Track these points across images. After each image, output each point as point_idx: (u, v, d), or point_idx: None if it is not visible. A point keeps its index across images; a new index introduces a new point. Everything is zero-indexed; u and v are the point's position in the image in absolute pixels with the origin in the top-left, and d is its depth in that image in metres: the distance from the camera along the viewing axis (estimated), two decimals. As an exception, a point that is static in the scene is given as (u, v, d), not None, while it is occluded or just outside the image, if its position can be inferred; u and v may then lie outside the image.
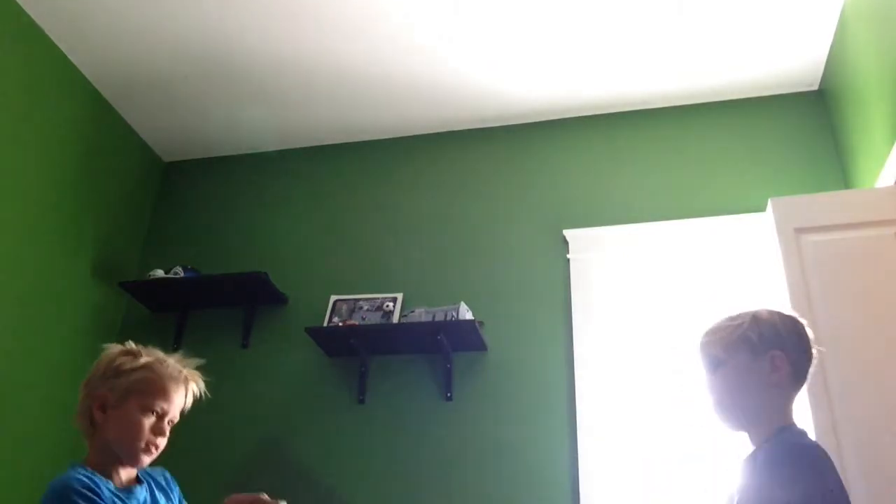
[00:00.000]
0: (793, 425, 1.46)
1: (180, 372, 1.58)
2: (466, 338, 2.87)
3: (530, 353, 2.90)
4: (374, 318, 3.04)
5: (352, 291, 3.18)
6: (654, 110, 3.32)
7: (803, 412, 2.02)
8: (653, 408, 2.71)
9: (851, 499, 1.32)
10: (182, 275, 3.21)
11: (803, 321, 1.52)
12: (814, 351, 1.50)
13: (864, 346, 2.13)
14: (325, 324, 3.07)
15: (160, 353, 1.60)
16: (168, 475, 1.67)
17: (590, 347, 2.83)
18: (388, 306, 3.07)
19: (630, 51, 3.03)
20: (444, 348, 2.88)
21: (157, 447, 1.53)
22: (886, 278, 2.20)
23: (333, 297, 3.16)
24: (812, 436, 1.89)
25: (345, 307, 3.11)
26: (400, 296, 3.11)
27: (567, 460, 2.66)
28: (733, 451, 2.54)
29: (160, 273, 3.24)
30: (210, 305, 3.30)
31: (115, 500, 1.44)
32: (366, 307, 3.09)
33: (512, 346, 2.94)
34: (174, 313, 3.31)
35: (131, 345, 1.59)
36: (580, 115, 3.38)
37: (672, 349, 2.79)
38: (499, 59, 3.10)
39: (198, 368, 1.65)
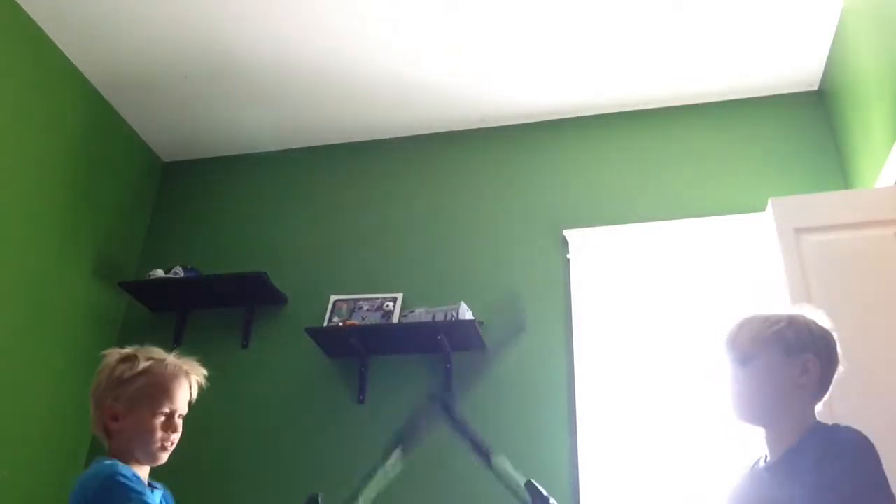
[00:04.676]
0: (822, 423, 1.45)
1: (180, 368, 1.60)
2: (466, 338, 2.87)
3: (530, 353, 2.90)
4: (374, 318, 3.04)
5: (352, 291, 3.17)
6: (654, 110, 3.31)
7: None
8: (653, 408, 2.71)
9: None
10: (182, 275, 3.22)
11: (835, 334, 1.50)
12: (840, 367, 1.48)
13: (863, 345, 2.12)
14: (324, 324, 3.06)
15: (157, 352, 1.61)
16: (169, 495, 1.69)
17: (590, 347, 2.83)
18: (388, 306, 3.07)
19: (630, 51, 3.03)
20: (444, 348, 2.87)
21: (172, 443, 1.57)
22: (886, 278, 2.20)
23: (333, 297, 3.16)
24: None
25: (345, 307, 3.11)
26: (400, 296, 3.10)
27: (567, 460, 2.66)
28: (733, 450, 2.55)
29: (160, 273, 3.24)
30: (210, 305, 3.30)
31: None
32: (366, 307, 3.09)
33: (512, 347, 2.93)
34: (174, 313, 3.31)
35: (128, 350, 1.61)
36: (580, 115, 3.38)
37: (672, 349, 2.79)
38: (499, 59, 3.10)
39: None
